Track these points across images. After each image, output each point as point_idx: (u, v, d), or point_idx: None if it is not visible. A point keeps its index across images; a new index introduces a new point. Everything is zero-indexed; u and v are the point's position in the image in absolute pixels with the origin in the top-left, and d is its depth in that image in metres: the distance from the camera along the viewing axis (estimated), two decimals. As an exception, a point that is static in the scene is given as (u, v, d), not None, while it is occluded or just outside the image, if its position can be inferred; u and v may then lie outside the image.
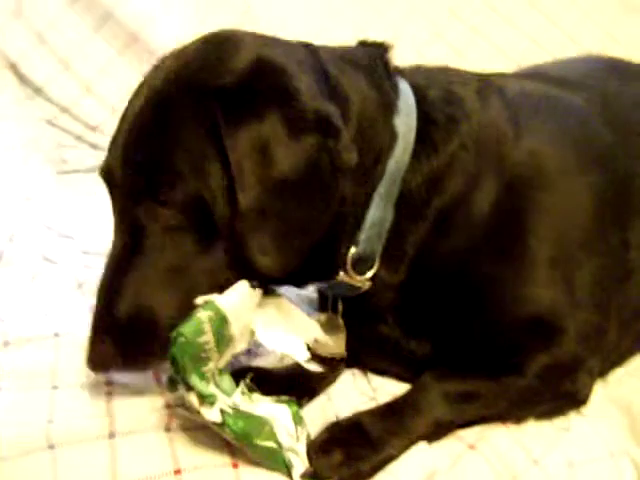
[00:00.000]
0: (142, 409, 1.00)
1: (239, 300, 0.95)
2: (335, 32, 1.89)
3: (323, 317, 1.14)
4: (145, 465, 0.92)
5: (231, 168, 0.92)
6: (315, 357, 1.07)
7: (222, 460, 0.94)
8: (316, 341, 1.07)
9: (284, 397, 1.00)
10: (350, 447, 0.96)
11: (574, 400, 1.10)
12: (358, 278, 1.05)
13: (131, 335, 0.96)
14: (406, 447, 0.99)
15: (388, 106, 1.05)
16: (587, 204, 1.12)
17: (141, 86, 1.02)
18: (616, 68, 1.47)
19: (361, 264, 1.05)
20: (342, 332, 1.13)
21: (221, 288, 0.94)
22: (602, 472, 1.04)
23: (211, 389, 0.92)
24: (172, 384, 0.94)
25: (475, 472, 0.99)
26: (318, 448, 0.96)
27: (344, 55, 1.07)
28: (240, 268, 0.95)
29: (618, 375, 1.24)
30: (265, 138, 0.92)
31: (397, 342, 1.11)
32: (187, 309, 0.93)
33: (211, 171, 0.94)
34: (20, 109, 1.85)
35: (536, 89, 1.23)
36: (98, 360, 0.97)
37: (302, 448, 0.96)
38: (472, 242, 1.05)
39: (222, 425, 0.91)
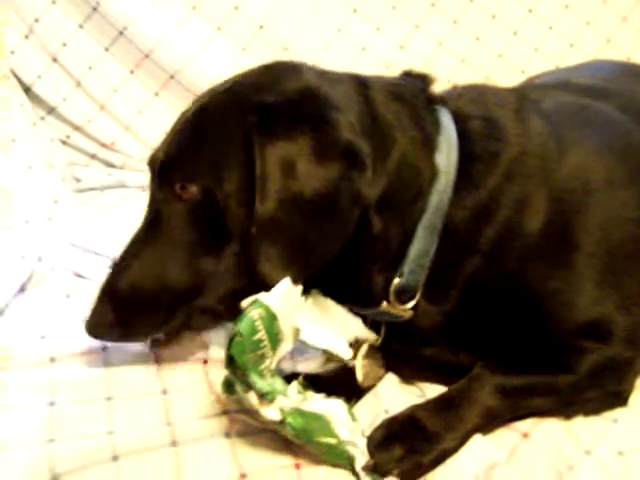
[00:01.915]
0: (200, 416, 1.01)
1: (284, 298, 0.96)
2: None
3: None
4: (210, 472, 0.93)
5: (255, 177, 0.96)
6: None
7: (284, 461, 0.95)
8: (357, 340, 1.09)
9: (334, 398, 1.01)
10: (409, 441, 0.98)
11: (620, 399, 1.12)
12: (400, 308, 1.08)
13: (129, 309, 1.04)
14: (463, 440, 1.01)
15: (429, 144, 1.08)
16: (633, 214, 1.13)
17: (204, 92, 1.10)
18: (630, 71, 1.49)
19: (404, 294, 1.08)
20: (381, 359, 1.15)
21: (228, 290, 1.00)
22: (651, 459, 1.06)
23: (269, 387, 0.93)
24: (228, 387, 0.95)
25: (532, 463, 1.00)
26: (378, 443, 0.98)
27: (392, 91, 1.10)
28: (246, 274, 0.99)
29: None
30: (293, 156, 0.97)
31: (443, 361, 1.13)
32: (184, 299, 1.02)
33: (231, 177, 1.00)
34: (34, 129, 1.85)
35: (570, 101, 1.25)
36: (96, 326, 1.04)
37: (361, 441, 0.98)
38: (524, 260, 1.07)
39: (282, 423, 0.92)
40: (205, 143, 1.02)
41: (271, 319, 0.94)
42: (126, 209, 1.76)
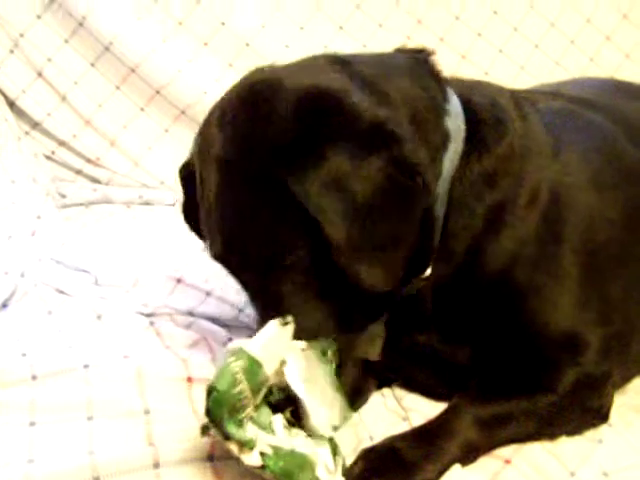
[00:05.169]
0: (183, 438, 0.99)
1: (269, 341, 0.95)
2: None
3: None
4: (193, 494, 0.92)
5: (312, 216, 0.94)
6: None
7: (267, 486, 0.94)
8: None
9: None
10: (388, 474, 0.96)
11: (599, 414, 1.11)
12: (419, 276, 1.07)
13: None
14: (442, 471, 0.99)
15: (438, 107, 1.07)
16: (620, 217, 1.14)
17: (205, 156, 1.03)
18: (620, 88, 1.51)
19: None
20: (381, 336, 1.12)
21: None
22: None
23: (249, 433, 0.90)
24: (204, 431, 0.93)
25: (515, 488, 0.99)
26: (356, 478, 0.95)
27: (381, 62, 1.09)
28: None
29: (636, 384, 1.25)
30: (334, 173, 0.93)
31: (434, 349, 1.12)
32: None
33: (301, 225, 0.96)
34: (19, 143, 1.84)
35: (562, 107, 1.26)
36: None
37: None
38: (517, 247, 1.07)
39: (263, 468, 0.90)
40: (261, 217, 0.98)
41: (254, 368, 0.91)
42: (111, 225, 1.75)
